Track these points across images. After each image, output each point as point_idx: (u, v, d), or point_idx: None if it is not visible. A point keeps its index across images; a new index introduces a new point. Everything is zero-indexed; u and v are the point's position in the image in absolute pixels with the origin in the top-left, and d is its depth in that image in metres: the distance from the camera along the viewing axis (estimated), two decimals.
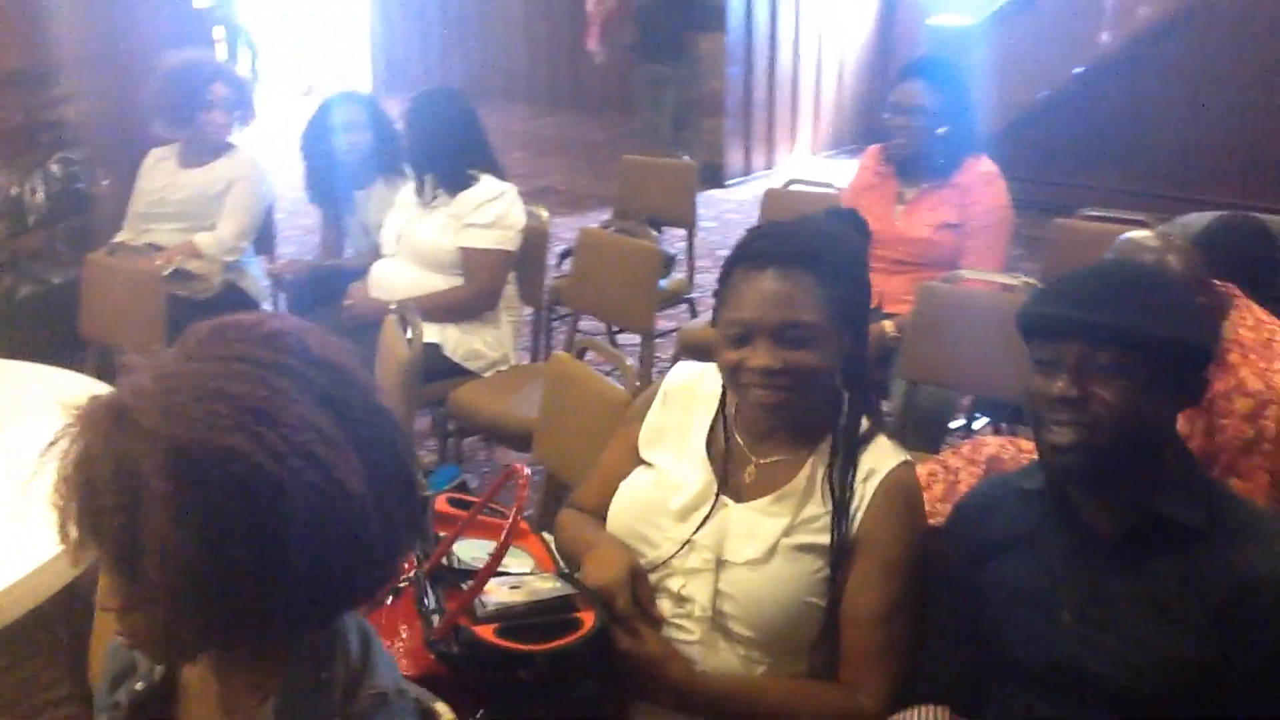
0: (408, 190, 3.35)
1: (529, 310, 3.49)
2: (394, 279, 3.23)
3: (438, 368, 3.12)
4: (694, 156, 7.51)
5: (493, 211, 3.14)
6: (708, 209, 7.10)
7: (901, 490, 1.50)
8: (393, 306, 3.14)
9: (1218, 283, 1.98)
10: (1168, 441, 1.29)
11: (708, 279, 5.33)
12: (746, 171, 7.85)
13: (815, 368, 1.46)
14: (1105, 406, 1.23)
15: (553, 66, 10.52)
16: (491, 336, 3.23)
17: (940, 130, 3.05)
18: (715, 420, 1.62)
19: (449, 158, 3.20)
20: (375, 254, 3.42)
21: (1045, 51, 6.90)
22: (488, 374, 3.20)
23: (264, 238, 3.92)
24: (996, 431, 3.02)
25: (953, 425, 3.28)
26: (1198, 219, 2.63)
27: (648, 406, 1.69)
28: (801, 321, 1.45)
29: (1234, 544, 1.23)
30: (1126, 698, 1.27)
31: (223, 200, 3.62)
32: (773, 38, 7.64)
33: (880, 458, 1.52)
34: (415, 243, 3.22)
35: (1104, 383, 1.23)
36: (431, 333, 3.14)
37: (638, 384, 2.12)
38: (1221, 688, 1.21)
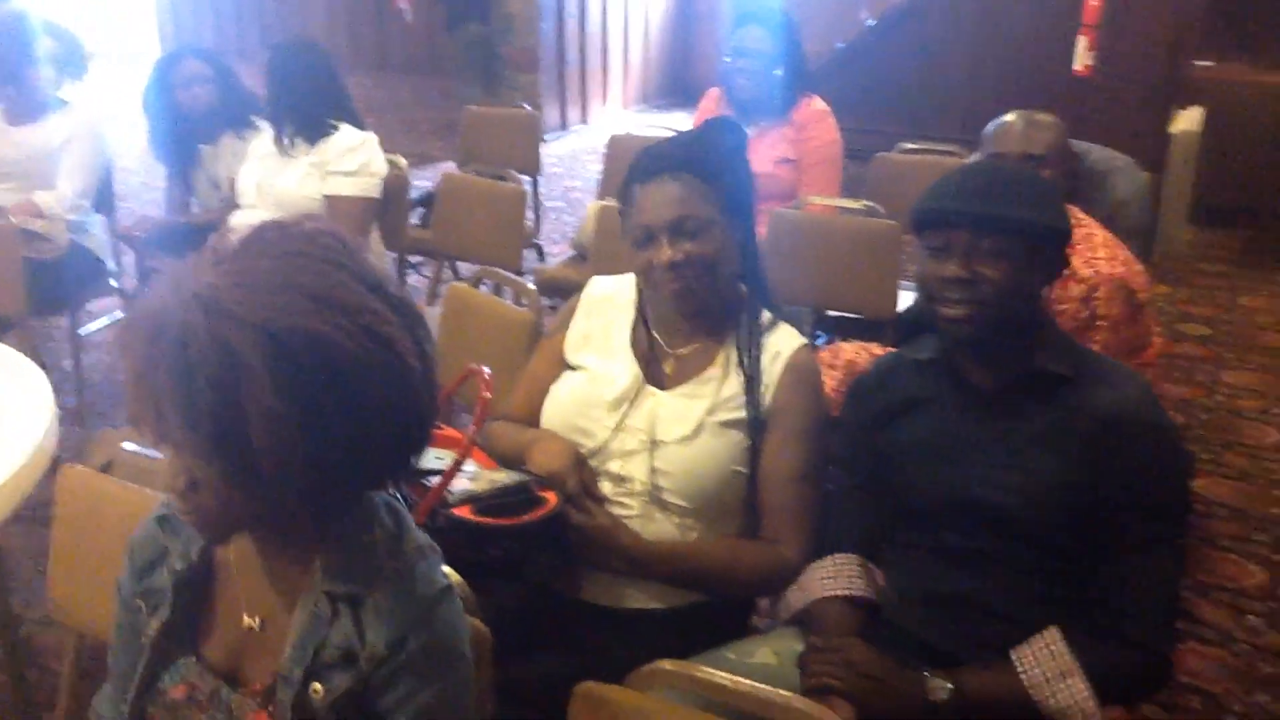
0: (262, 141, 3.36)
1: (392, 255, 3.56)
2: None
3: None
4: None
5: (356, 159, 3.20)
6: None
7: (804, 368, 1.74)
8: None
9: None
10: (1039, 309, 1.57)
11: (544, 228, 5.51)
12: (563, 126, 8.01)
13: (713, 254, 1.67)
14: (990, 284, 1.48)
15: (354, 28, 10.33)
16: None
17: (776, 72, 3.31)
18: (635, 323, 1.81)
19: (308, 107, 3.22)
20: (226, 208, 3.42)
21: (840, 4, 7.34)
22: None
23: (104, 197, 3.84)
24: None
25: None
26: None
27: (570, 317, 1.87)
28: (694, 215, 1.66)
29: (1094, 389, 1.51)
30: (1016, 520, 1.53)
31: (60, 157, 3.52)
32: None
33: (783, 341, 1.75)
34: (277, 192, 3.24)
35: (989, 264, 1.48)
36: None
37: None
38: (1090, 505, 1.49)
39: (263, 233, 1.12)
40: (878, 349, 2.56)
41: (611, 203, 3.75)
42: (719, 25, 8.54)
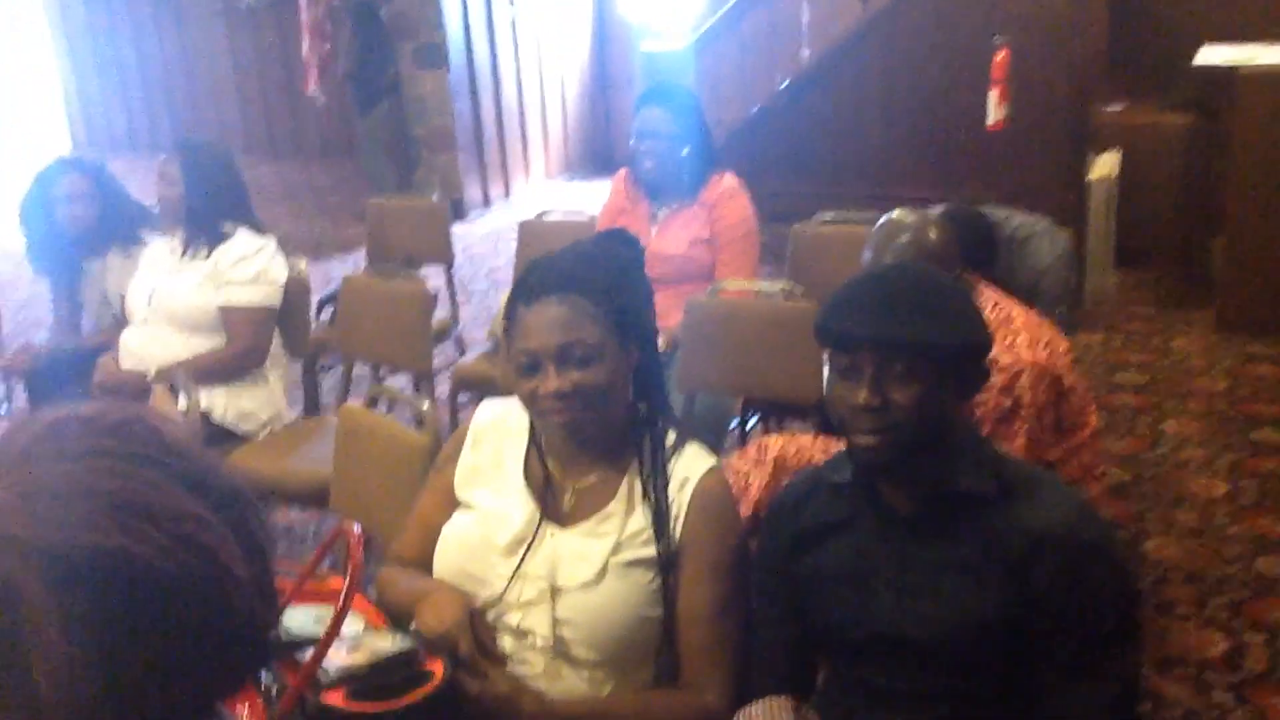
0: (155, 249, 3.19)
1: (296, 364, 3.39)
2: (148, 347, 3.07)
3: (207, 435, 2.99)
4: (428, 192, 7.51)
5: (253, 267, 3.04)
6: (454, 242, 7.08)
7: (715, 494, 1.60)
8: (150, 376, 3.00)
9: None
10: (957, 425, 1.44)
11: (466, 313, 5.35)
12: (485, 203, 7.90)
13: (603, 383, 1.53)
14: (903, 410, 1.36)
15: (269, 114, 10.19)
16: (262, 395, 3.11)
17: (683, 152, 3.21)
18: (528, 452, 1.66)
19: (207, 212, 3.06)
20: (117, 327, 3.23)
21: (752, 69, 7.34)
22: (261, 435, 3.09)
23: None
24: (767, 429, 3.20)
25: (730, 426, 3.45)
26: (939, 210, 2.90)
27: (458, 449, 1.71)
28: (581, 341, 1.52)
29: (1019, 505, 1.38)
30: (941, 655, 1.40)
31: None
32: (494, 70, 7.74)
33: (691, 465, 1.60)
34: (170, 305, 3.06)
35: (900, 388, 1.36)
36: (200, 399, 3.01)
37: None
38: (1023, 636, 1.36)
39: (57, 428, 0.95)
40: (806, 439, 2.44)
41: None
42: (635, 91, 8.54)
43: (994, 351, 2.10)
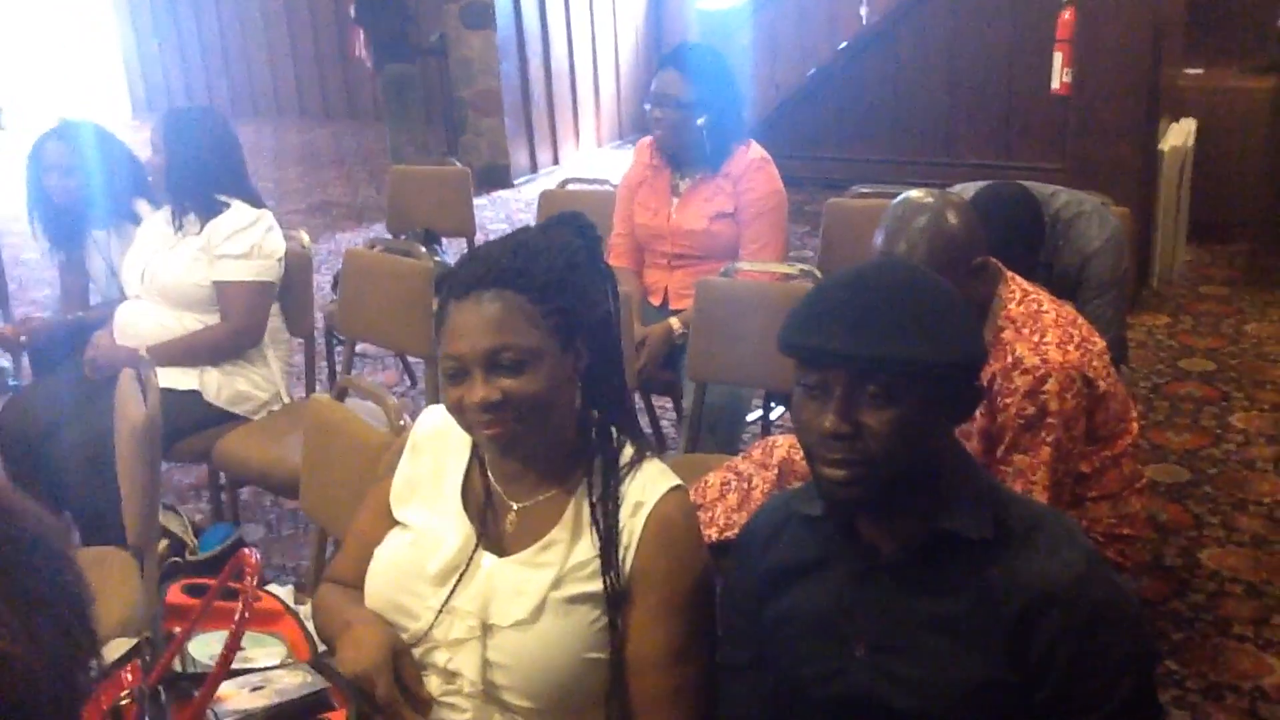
0: (152, 223, 3.06)
1: (299, 342, 3.24)
2: (141, 322, 2.94)
3: (201, 416, 2.86)
4: (476, 158, 7.37)
5: (246, 241, 2.89)
6: (496, 210, 6.94)
7: (674, 521, 1.39)
8: (143, 353, 2.87)
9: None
10: (946, 454, 1.22)
11: None
12: (533, 169, 7.72)
13: (539, 392, 1.33)
14: (877, 439, 1.14)
15: (323, 78, 10.12)
16: (259, 375, 2.98)
17: (700, 120, 2.98)
18: (470, 467, 1.47)
19: (197, 183, 2.92)
20: (116, 301, 3.11)
21: (811, 29, 7.03)
22: (259, 416, 2.96)
23: None
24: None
25: (750, 418, 3.24)
26: (963, 190, 2.64)
27: (398, 459, 1.53)
28: (513, 345, 1.31)
29: (1022, 553, 1.16)
30: None
31: None
32: (544, 31, 7.52)
33: (648, 487, 1.40)
34: (162, 281, 2.93)
35: (874, 413, 1.15)
36: (189, 378, 2.88)
37: (403, 422, 1.94)
38: (1020, 708, 1.15)
39: None
40: None
41: None
42: None
43: (1020, 351, 1.87)
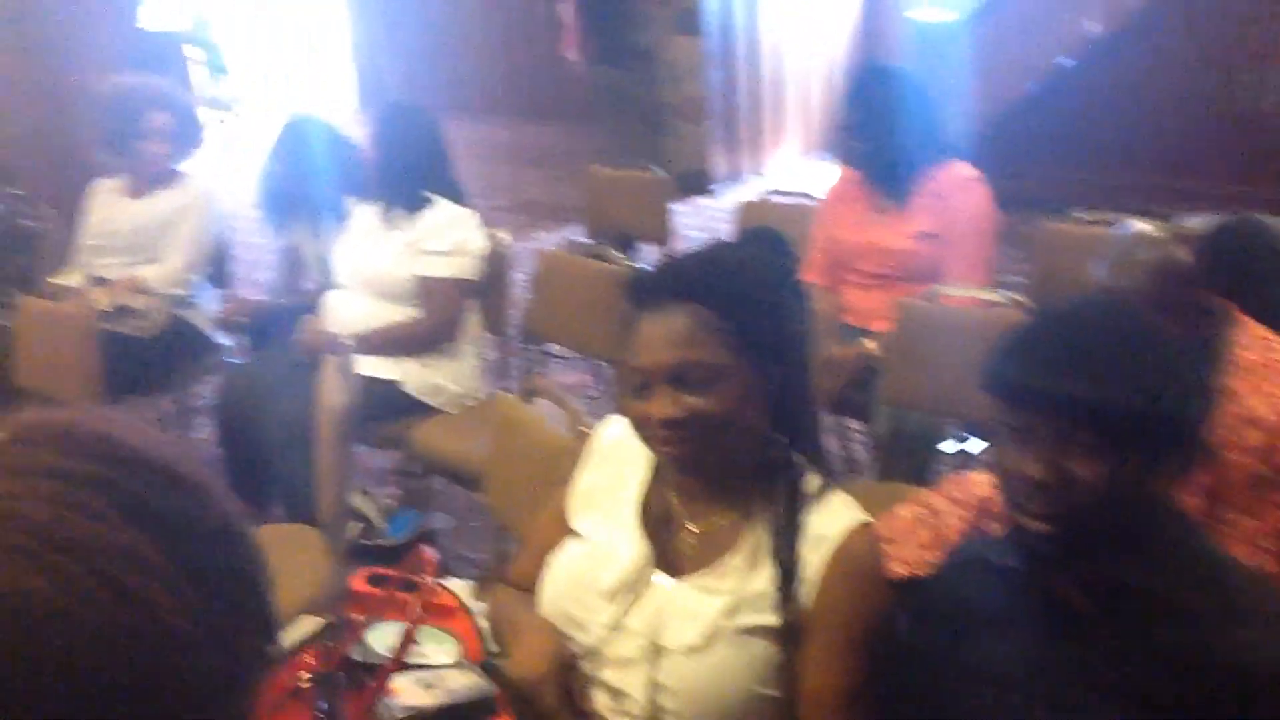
0: (364, 215, 3.18)
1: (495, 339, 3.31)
2: (348, 311, 3.06)
3: (399, 405, 2.95)
4: (677, 163, 7.39)
5: (450, 238, 2.98)
6: (694, 218, 6.94)
7: (859, 558, 1.33)
8: (347, 341, 2.99)
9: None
10: (1160, 513, 1.12)
11: None
12: (734, 177, 7.68)
13: (724, 411, 1.29)
14: (1085, 493, 1.05)
15: (534, 77, 10.36)
16: (454, 370, 3.05)
17: (901, 137, 2.88)
18: (649, 482, 1.45)
19: (405, 179, 3.03)
20: (324, 289, 3.26)
21: (1031, 43, 6.73)
22: (454, 409, 3.03)
23: (220, 271, 3.76)
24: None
25: (947, 449, 3.10)
26: (1194, 222, 2.45)
27: (579, 466, 1.52)
28: (700, 361, 1.28)
29: (1238, 628, 1.05)
30: None
31: (171, 231, 3.45)
32: (753, 39, 7.47)
33: (833, 520, 1.34)
34: (368, 272, 3.05)
35: (1084, 464, 1.06)
36: (390, 368, 2.97)
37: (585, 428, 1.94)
38: None
39: (24, 434, 0.82)
40: None
41: None
42: (905, 62, 8.07)
43: (1251, 402, 1.71)
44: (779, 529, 1.33)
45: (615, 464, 1.48)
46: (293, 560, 2.29)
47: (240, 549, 0.83)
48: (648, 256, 3.99)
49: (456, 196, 3.09)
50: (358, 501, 2.97)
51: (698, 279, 1.31)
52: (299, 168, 3.44)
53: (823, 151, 8.34)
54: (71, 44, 4.06)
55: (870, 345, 2.84)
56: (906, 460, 2.65)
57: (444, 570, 1.71)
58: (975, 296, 2.63)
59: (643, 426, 1.33)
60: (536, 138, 9.89)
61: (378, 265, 3.03)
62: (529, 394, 2.12)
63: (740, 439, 1.34)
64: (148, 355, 3.32)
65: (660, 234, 3.92)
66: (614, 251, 2.99)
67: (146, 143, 3.40)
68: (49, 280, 3.43)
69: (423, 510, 3.01)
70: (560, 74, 9.79)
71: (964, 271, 2.83)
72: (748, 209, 3.55)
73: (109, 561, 0.71)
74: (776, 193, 3.60)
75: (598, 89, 6.98)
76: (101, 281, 3.40)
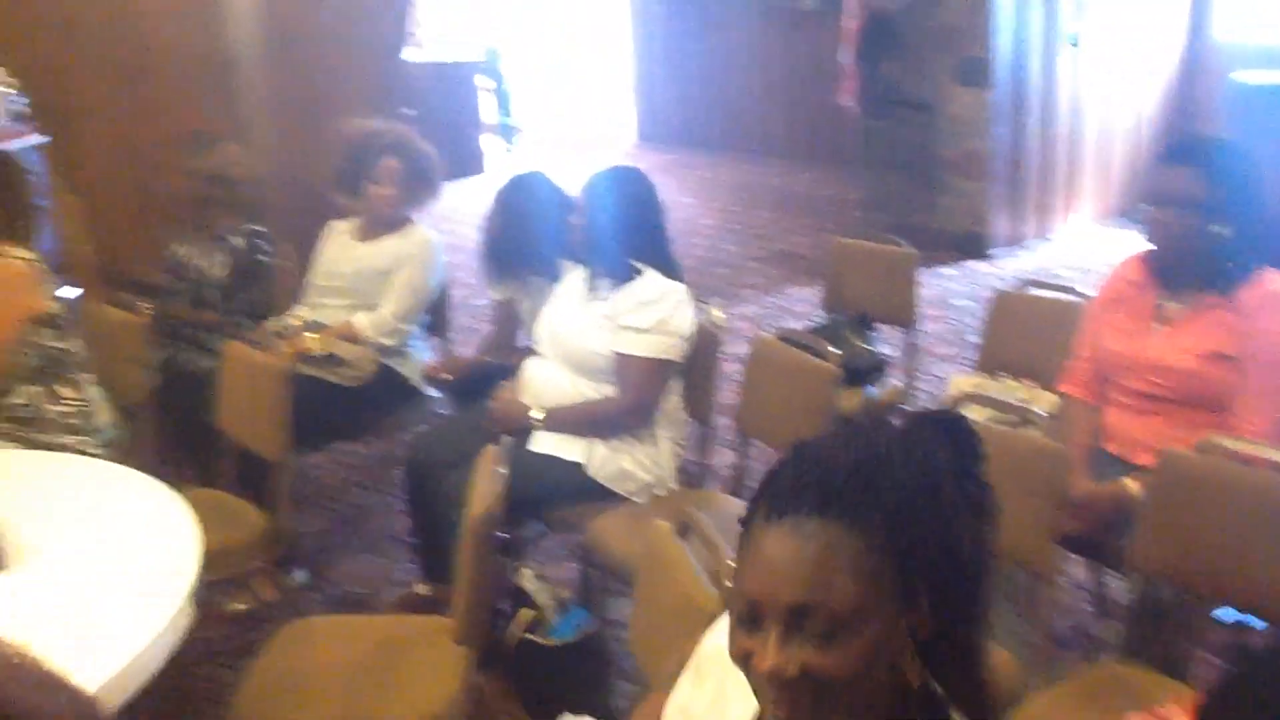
0: (573, 280, 3.00)
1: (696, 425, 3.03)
2: (542, 382, 2.88)
3: (581, 488, 2.75)
4: (951, 222, 6.89)
5: (653, 314, 2.74)
6: (964, 282, 6.43)
7: None
8: (535, 414, 2.80)
9: None
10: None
11: (943, 369, 4.71)
12: (1014, 241, 7.06)
13: (849, 669, 0.95)
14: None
15: (812, 123, 10.06)
16: (646, 456, 2.80)
17: (1216, 230, 2.36)
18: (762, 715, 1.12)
19: (613, 247, 2.82)
20: (526, 353, 3.10)
21: None
22: (640, 499, 2.78)
23: (439, 320, 3.70)
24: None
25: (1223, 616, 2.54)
26: None
27: (680, 673, 1.21)
28: (826, 605, 0.94)
29: None
30: None
31: (388, 279, 3.40)
32: (1049, 92, 6.85)
33: None
34: (566, 343, 2.86)
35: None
36: (575, 448, 2.77)
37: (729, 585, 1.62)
38: None
39: None
40: None
41: (982, 381, 2.96)
42: (1222, 128, 7.17)
43: None
44: None
45: (717, 680, 1.17)
46: (424, 660, 2.10)
47: None
48: (886, 338, 3.60)
49: (668, 268, 2.85)
50: (529, 584, 2.76)
51: (842, 486, 0.97)
52: (519, 223, 3.32)
53: (1121, 218, 7.55)
54: (332, 84, 4.14)
55: (1132, 486, 2.34)
56: (1157, 640, 2.15)
57: None
58: (1267, 456, 2.08)
59: (747, 669, 1.00)
60: (810, 184, 9.58)
61: (575, 336, 2.84)
62: (684, 529, 1.82)
63: (875, 695, 0.99)
64: (352, 402, 3.28)
65: (903, 314, 3.52)
66: (829, 346, 2.64)
67: (376, 187, 3.38)
68: (271, 320, 3.46)
69: (596, 609, 2.75)
70: (839, 121, 9.45)
71: (1257, 412, 2.30)
72: (1001, 304, 3.09)
73: None
74: (1036, 284, 3.13)
75: (869, 138, 6.62)
76: (318, 325, 3.39)
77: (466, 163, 9.53)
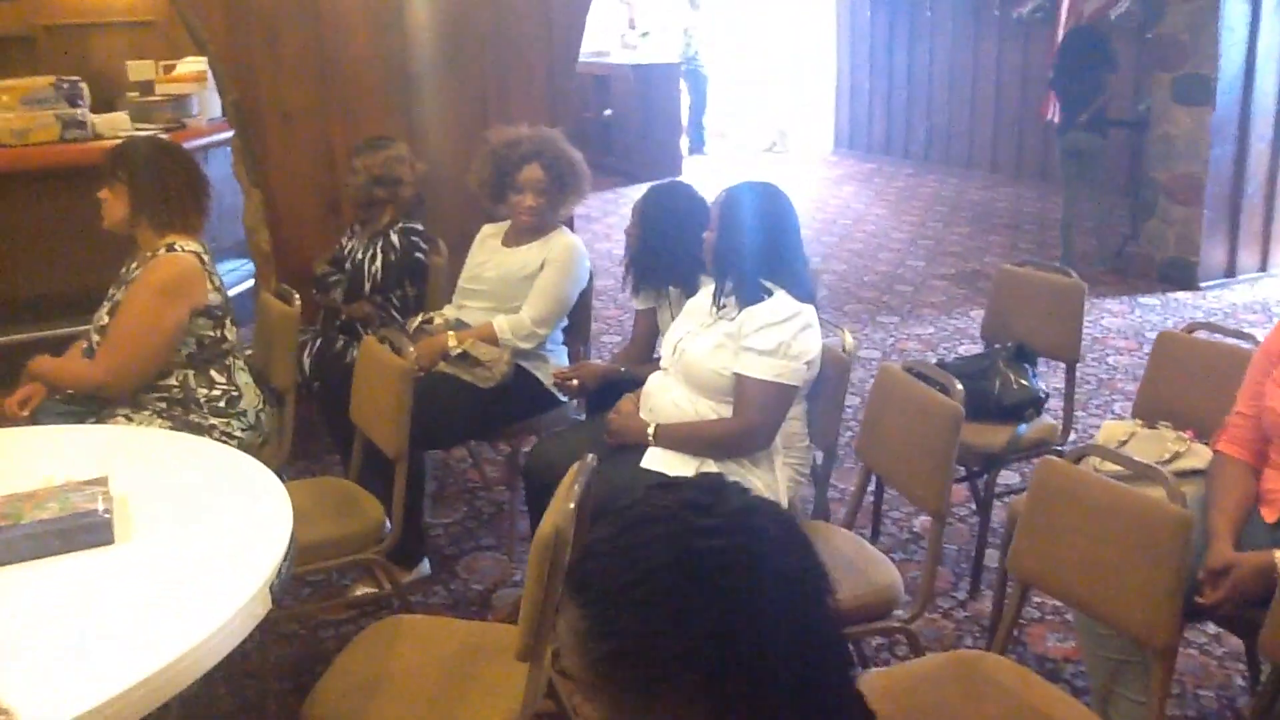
0: (703, 295, 2.94)
1: (819, 453, 2.92)
2: (661, 397, 2.83)
3: None
4: (1160, 249, 6.44)
5: (775, 337, 2.63)
6: (1165, 314, 5.99)
7: None
8: (650, 432, 2.76)
9: None
10: None
11: (1125, 407, 4.37)
12: (1229, 273, 6.54)
13: None
14: None
15: (1021, 137, 9.61)
16: (760, 481, 2.70)
17: None
18: None
19: (740, 265, 2.74)
20: (654, 366, 3.05)
21: None
22: None
23: (579, 327, 3.70)
24: None
25: None
26: None
27: None
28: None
29: None
30: None
31: (529, 284, 3.43)
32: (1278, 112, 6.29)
33: None
34: (688, 359, 2.79)
35: None
36: (688, 468, 2.70)
37: None
38: None
39: None
40: None
41: (1137, 429, 2.72)
42: None
43: None
44: None
45: None
46: (498, 670, 2.10)
47: None
48: (1047, 377, 3.37)
49: (799, 289, 2.74)
50: None
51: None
52: (661, 233, 3.27)
53: None
54: (502, 91, 4.23)
55: None
56: None
57: None
58: None
59: None
60: (1012, 200, 9.16)
61: (698, 353, 2.76)
62: None
63: None
64: (487, 404, 3.32)
65: (1067, 350, 3.28)
66: (956, 382, 2.47)
67: (519, 196, 3.41)
68: (419, 314, 3.55)
69: None
70: (1048, 136, 9.01)
71: None
72: (1163, 345, 2.84)
73: None
74: (1205, 327, 2.86)
75: (1065, 155, 6.27)
76: (460, 325, 3.46)
77: (665, 165, 9.59)
